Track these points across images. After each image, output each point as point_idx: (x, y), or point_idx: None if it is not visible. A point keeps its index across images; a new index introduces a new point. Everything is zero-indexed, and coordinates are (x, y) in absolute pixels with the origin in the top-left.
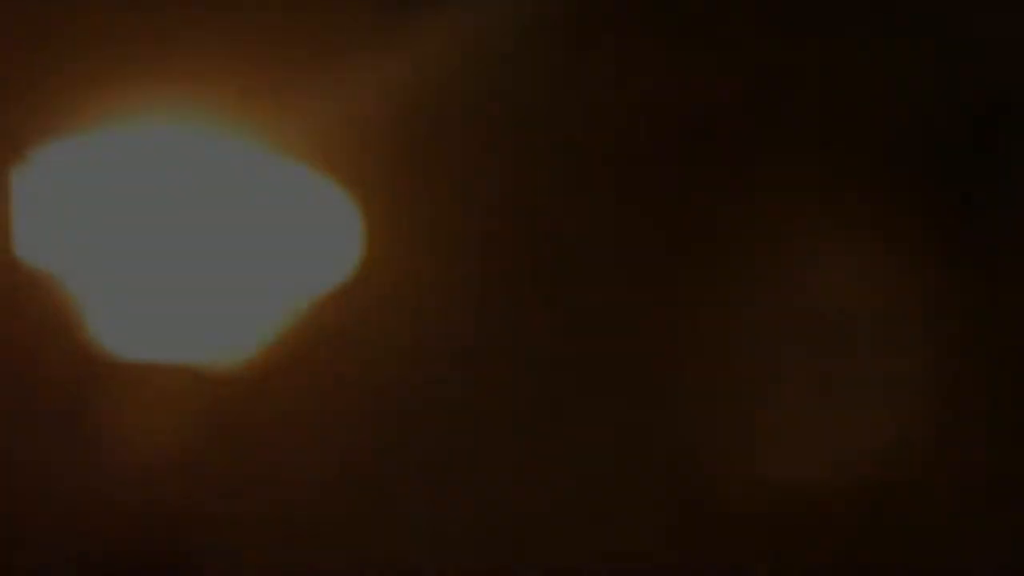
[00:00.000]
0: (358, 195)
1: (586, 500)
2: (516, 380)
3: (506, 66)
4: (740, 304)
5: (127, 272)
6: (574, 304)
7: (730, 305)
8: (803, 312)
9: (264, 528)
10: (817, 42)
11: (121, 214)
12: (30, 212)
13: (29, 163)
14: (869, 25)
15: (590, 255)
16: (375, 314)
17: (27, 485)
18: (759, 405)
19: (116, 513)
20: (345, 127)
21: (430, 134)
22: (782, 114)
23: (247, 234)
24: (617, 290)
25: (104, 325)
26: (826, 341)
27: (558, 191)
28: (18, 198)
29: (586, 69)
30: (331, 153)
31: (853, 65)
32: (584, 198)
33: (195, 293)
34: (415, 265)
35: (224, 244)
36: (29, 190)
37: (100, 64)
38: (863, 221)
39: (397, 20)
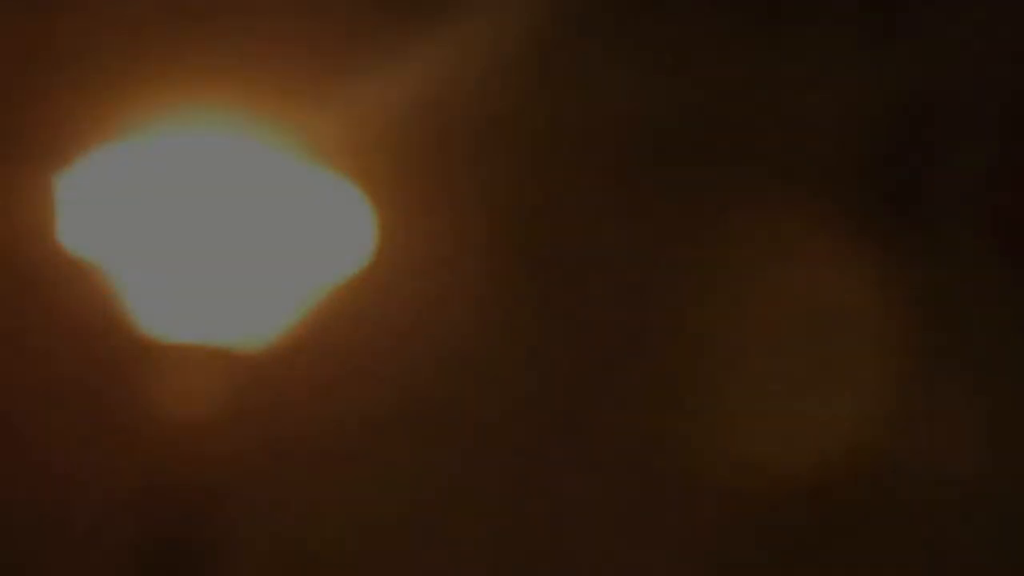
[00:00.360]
0: (371, 193)
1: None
2: (514, 373)
3: (510, 73)
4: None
5: (164, 261)
6: (572, 301)
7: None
8: (750, 307)
9: (285, 494)
10: (763, 54)
11: (158, 210)
12: (74, 208)
13: (73, 165)
14: (808, 34)
15: (589, 253)
16: (386, 302)
17: (71, 457)
18: (736, 397)
19: (153, 484)
20: (360, 131)
21: (440, 136)
22: (730, 123)
23: (271, 227)
24: (607, 286)
25: (143, 309)
26: (775, 334)
27: (560, 193)
28: (63, 195)
29: (574, 78)
30: (346, 155)
31: (795, 73)
32: (583, 200)
33: (224, 280)
34: (424, 258)
35: (250, 237)
36: (73, 188)
37: (137, 75)
38: (804, 222)
39: (410, 27)
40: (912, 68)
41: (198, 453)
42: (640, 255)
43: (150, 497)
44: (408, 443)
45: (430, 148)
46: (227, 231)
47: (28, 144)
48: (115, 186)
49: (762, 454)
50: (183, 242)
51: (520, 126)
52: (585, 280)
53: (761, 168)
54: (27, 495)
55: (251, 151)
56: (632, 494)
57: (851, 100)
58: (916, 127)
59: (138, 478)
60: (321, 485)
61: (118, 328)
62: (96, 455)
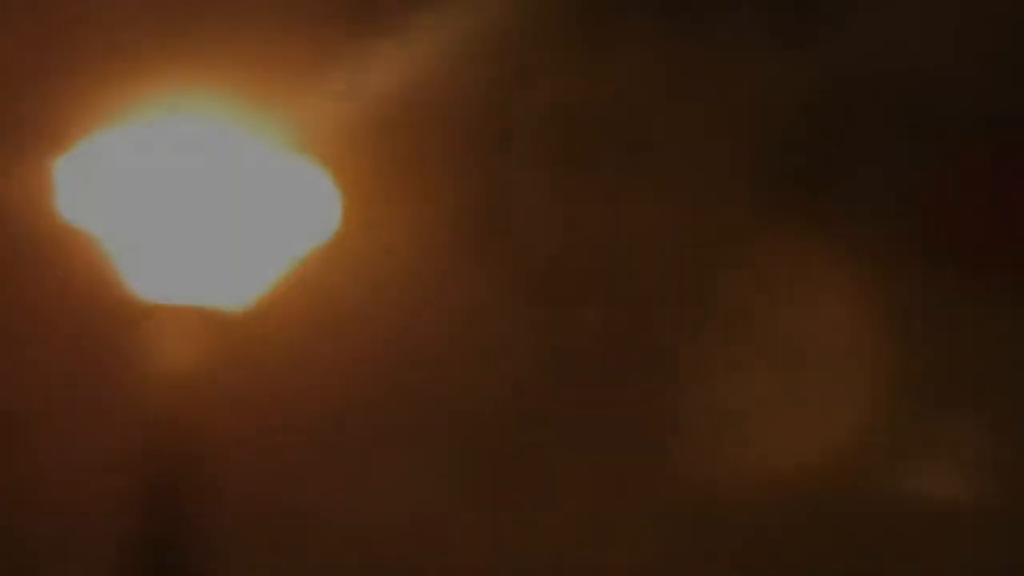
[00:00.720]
0: (336, 176)
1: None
2: (465, 345)
3: (474, 69)
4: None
5: (154, 233)
6: (520, 276)
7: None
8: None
9: (266, 448)
10: (687, 52)
11: (149, 188)
12: (73, 186)
13: (71, 148)
14: (729, 32)
15: (541, 240)
16: (349, 272)
17: (71, 409)
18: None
19: (147, 433)
20: (327, 122)
21: (401, 127)
22: (657, 114)
23: (249, 204)
24: (564, 273)
25: (136, 275)
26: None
27: (512, 180)
28: (63, 175)
29: (522, 74)
30: (315, 142)
31: (716, 70)
32: (536, 188)
33: (208, 250)
34: (382, 236)
35: (230, 212)
36: (72, 168)
37: (128, 69)
38: (722, 208)
39: (379, 27)
40: (824, 65)
41: (185, 400)
42: (587, 239)
43: (145, 444)
44: (368, 392)
45: (391, 138)
46: (210, 207)
47: (30, 129)
48: (110, 166)
49: (730, 467)
50: (171, 216)
51: (477, 118)
52: (541, 266)
53: (684, 157)
54: (28, 446)
55: (231, 137)
56: (608, 478)
57: (767, 95)
58: (828, 120)
59: (134, 428)
60: (295, 427)
61: (114, 292)
62: (95, 407)
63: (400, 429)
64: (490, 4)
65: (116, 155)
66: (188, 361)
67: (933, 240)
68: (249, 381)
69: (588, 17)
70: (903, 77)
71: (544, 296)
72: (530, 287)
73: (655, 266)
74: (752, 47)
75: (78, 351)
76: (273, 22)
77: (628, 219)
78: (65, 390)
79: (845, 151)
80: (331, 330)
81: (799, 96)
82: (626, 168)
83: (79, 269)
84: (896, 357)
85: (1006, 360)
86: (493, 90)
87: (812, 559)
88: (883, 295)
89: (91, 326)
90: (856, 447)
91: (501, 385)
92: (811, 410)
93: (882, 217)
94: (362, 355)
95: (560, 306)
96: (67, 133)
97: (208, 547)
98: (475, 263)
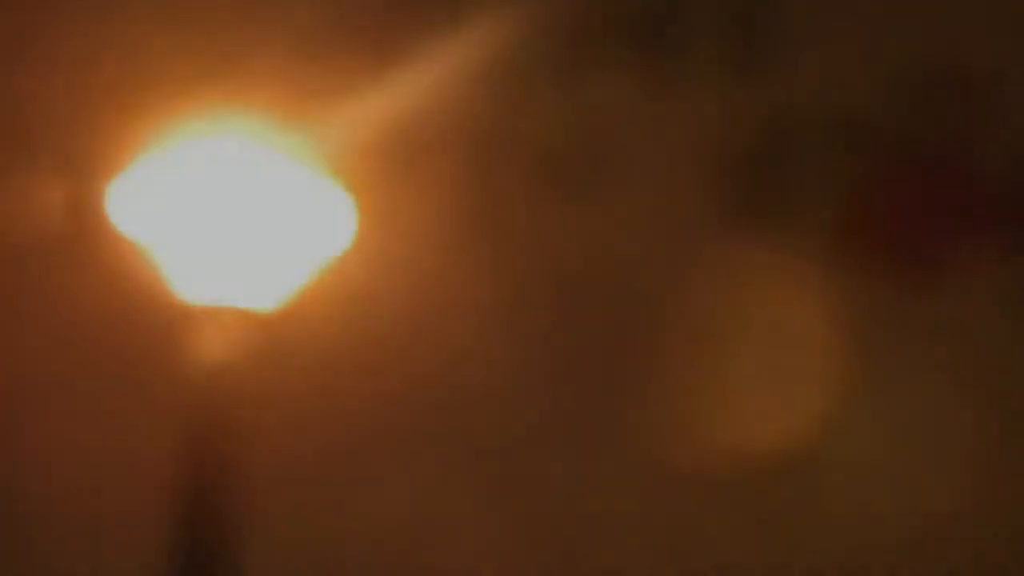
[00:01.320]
0: (353, 190)
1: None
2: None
3: (482, 93)
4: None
5: (197, 242)
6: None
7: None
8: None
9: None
10: (648, 84)
11: (192, 202)
12: (126, 202)
13: (122, 166)
14: (685, 69)
15: (532, 242)
16: (364, 277)
17: (121, 398)
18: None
19: (190, 420)
20: (344, 141)
21: (411, 146)
22: (619, 142)
23: (276, 215)
24: (566, 279)
25: (181, 280)
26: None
27: (504, 195)
28: (115, 190)
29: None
30: (334, 159)
31: (675, 103)
32: (528, 203)
33: (243, 257)
34: (393, 244)
35: (260, 221)
36: (123, 184)
37: (170, 99)
38: (683, 227)
39: (389, 56)
40: (768, 96)
41: (224, 388)
42: (574, 249)
43: (187, 431)
44: (387, 382)
45: (402, 155)
46: (245, 218)
47: (89, 152)
48: (158, 184)
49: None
50: (211, 226)
51: (478, 138)
52: (535, 271)
53: (648, 174)
54: (79, 434)
55: (263, 156)
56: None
57: (719, 123)
58: (771, 146)
59: (180, 412)
60: (324, 404)
61: (162, 295)
62: (147, 394)
63: (414, 420)
64: (491, 37)
65: (163, 173)
66: (226, 354)
67: (860, 248)
68: (278, 371)
69: (568, 49)
70: (838, 107)
71: (539, 300)
72: (526, 291)
73: (629, 271)
74: (712, 79)
75: (131, 347)
76: (295, 59)
77: (602, 230)
78: (119, 381)
79: (789, 172)
80: (350, 327)
81: (751, 123)
82: (598, 184)
83: (132, 275)
84: (833, 347)
85: (921, 345)
86: (488, 115)
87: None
88: (823, 295)
89: (142, 325)
90: (808, 426)
91: (507, 383)
92: (776, 395)
93: (821, 229)
94: (379, 350)
95: (554, 311)
96: (120, 155)
97: (240, 528)
98: (475, 267)
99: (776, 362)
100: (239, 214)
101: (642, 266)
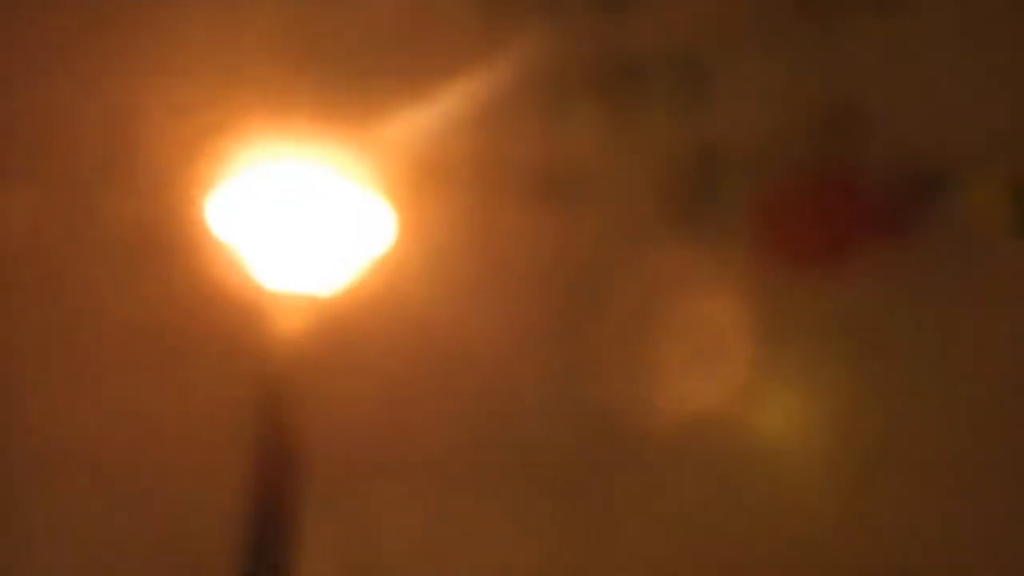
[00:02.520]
0: (392, 201)
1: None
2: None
3: (493, 122)
4: None
5: (272, 241)
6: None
7: None
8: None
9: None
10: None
11: (269, 209)
12: (218, 209)
13: (213, 179)
14: (637, 106)
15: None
16: (402, 276)
17: (209, 369)
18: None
19: (265, 388)
20: (387, 159)
21: (443, 164)
22: (589, 164)
23: (333, 220)
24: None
25: (260, 272)
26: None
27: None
28: (211, 201)
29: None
30: (377, 175)
31: (629, 133)
32: (533, 217)
33: (307, 254)
34: (427, 250)
35: (322, 225)
36: (217, 196)
37: (245, 127)
38: (642, 241)
39: (420, 86)
40: (702, 130)
41: (293, 360)
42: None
43: (263, 398)
44: (422, 355)
45: (436, 172)
46: (307, 221)
47: (188, 170)
48: (243, 194)
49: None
50: (283, 229)
51: (496, 161)
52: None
53: (606, 193)
54: (173, 400)
55: (320, 172)
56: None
57: (666, 151)
58: (703, 170)
59: (261, 380)
60: (372, 374)
61: (245, 284)
62: (233, 367)
63: (442, 381)
64: (493, 79)
65: (247, 186)
66: (295, 331)
67: (771, 252)
68: (335, 346)
69: (550, 91)
70: (756, 138)
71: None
72: (527, 294)
73: (597, 271)
74: (660, 117)
75: (220, 326)
76: (350, 96)
77: (576, 237)
78: (210, 356)
79: (717, 191)
80: (391, 312)
81: (688, 151)
82: (575, 200)
83: (221, 267)
84: (749, 333)
85: (823, 333)
86: (491, 142)
87: None
88: (741, 291)
89: (230, 308)
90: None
91: (523, 380)
92: (703, 373)
93: (741, 237)
94: (416, 331)
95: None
96: (213, 172)
97: (302, 481)
98: (482, 267)
99: (703, 345)
100: (305, 219)
101: (606, 267)
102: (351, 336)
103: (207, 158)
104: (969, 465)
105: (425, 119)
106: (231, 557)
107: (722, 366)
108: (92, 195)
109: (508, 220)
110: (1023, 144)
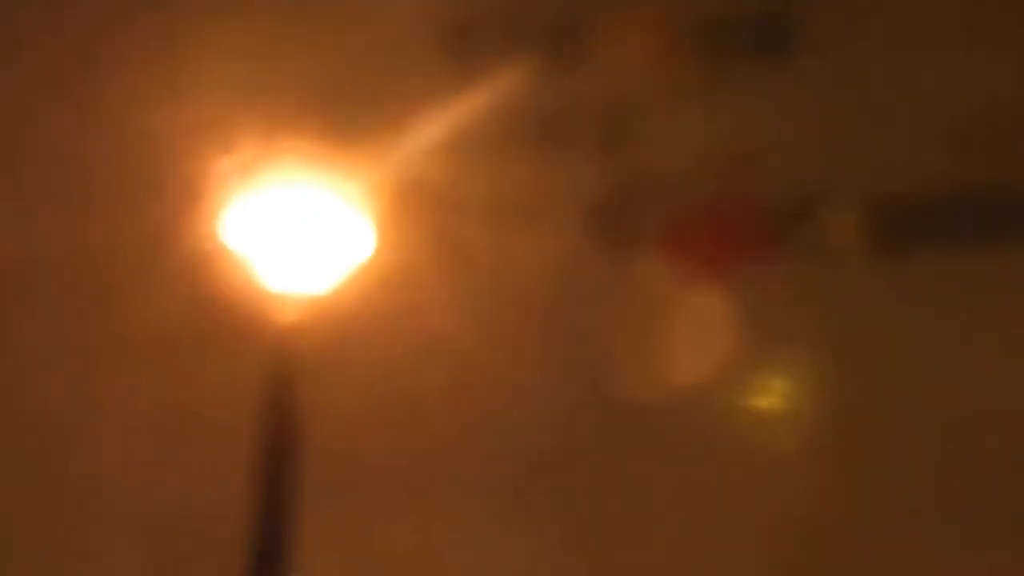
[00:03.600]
0: (372, 215)
1: None
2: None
3: (464, 148)
4: None
5: (273, 250)
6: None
7: None
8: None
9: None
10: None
11: (270, 222)
12: (228, 222)
13: (227, 199)
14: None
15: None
16: (382, 280)
17: (217, 355)
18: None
19: (267, 367)
20: (370, 180)
21: (420, 185)
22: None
23: (321, 232)
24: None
25: (263, 275)
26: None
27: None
28: (223, 216)
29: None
30: (362, 192)
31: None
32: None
33: (303, 260)
34: (405, 260)
35: (309, 237)
36: (228, 212)
37: (254, 153)
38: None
39: (400, 117)
40: (634, 167)
41: (292, 347)
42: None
43: (271, 372)
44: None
45: (410, 194)
46: (303, 233)
47: (203, 190)
48: (248, 209)
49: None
50: (282, 239)
51: (458, 187)
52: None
53: (550, 226)
54: (185, 387)
55: (314, 191)
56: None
57: (598, 184)
58: (635, 201)
59: (265, 360)
60: (359, 361)
61: (252, 284)
62: (243, 352)
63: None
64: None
65: (253, 203)
66: (294, 322)
67: (683, 262)
68: (328, 337)
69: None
70: (671, 178)
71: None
72: (486, 297)
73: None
74: (593, 155)
75: (231, 318)
76: (328, 118)
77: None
78: (221, 340)
79: (640, 218)
80: (372, 310)
81: (617, 184)
82: (542, 227)
83: (231, 271)
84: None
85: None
86: (455, 172)
87: None
88: (664, 290)
89: (239, 305)
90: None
91: (502, 377)
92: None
93: (662, 250)
94: (393, 325)
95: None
96: (223, 192)
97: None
98: (455, 275)
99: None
100: (300, 231)
101: (551, 276)
102: (337, 329)
103: (215, 177)
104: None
105: (402, 150)
106: (235, 548)
107: (654, 357)
108: (99, 210)
109: (468, 235)
110: (872, 186)
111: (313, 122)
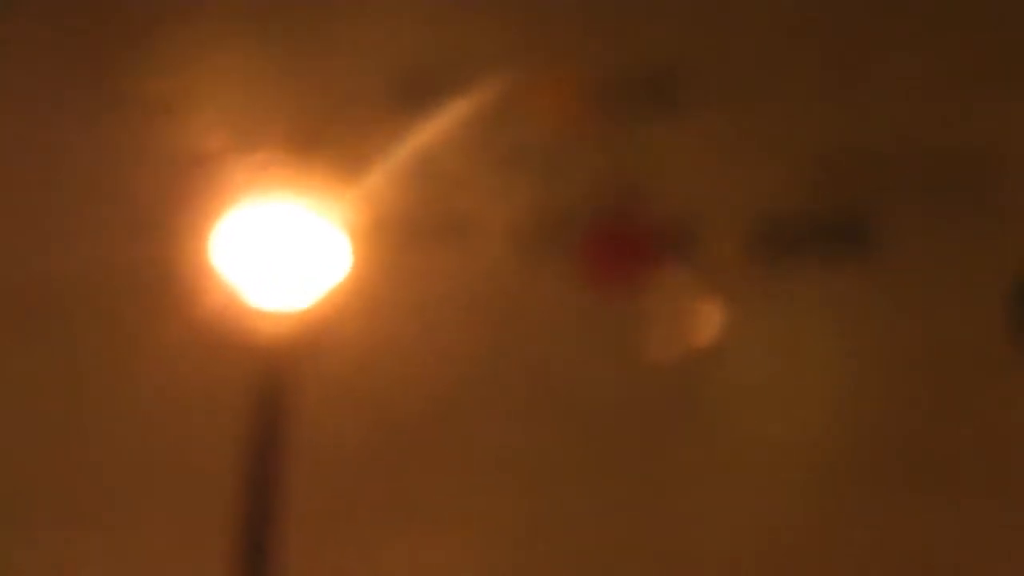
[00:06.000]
0: (351, 235)
1: None
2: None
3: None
4: None
5: (259, 268)
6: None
7: None
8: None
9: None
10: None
11: (253, 242)
12: (216, 242)
13: (214, 221)
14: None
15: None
16: (357, 299)
17: (205, 369)
18: None
19: (254, 370)
20: (348, 200)
21: (397, 209)
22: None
23: (302, 250)
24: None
25: (248, 291)
26: None
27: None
28: (213, 237)
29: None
30: (340, 212)
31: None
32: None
33: (284, 279)
34: (381, 278)
35: (290, 254)
36: (216, 233)
37: (236, 176)
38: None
39: (384, 144)
40: (556, 194)
41: (278, 358)
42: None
43: (258, 381)
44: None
45: (386, 216)
46: (286, 251)
47: (190, 213)
48: (234, 230)
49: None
50: (265, 258)
51: (426, 209)
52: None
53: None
54: (181, 395)
55: (298, 212)
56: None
57: (531, 206)
58: (558, 222)
59: (247, 371)
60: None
61: (238, 302)
62: (232, 368)
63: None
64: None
65: (238, 225)
66: (279, 335)
67: (593, 271)
68: (311, 348)
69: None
70: (583, 201)
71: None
72: (450, 310)
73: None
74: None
75: (219, 336)
76: (315, 149)
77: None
78: (211, 356)
79: (562, 235)
80: (348, 324)
81: (544, 208)
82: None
83: (218, 288)
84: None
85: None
86: (423, 196)
87: None
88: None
89: (227, 322)
90: None
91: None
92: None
93: (578, 262)
94: (372, 339)
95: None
96: (210, 215)
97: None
98: (424, 291)
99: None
100: (284, 249)
101: (502, 289)
102: (319, 342)
103: (204, 197)
104: None
105: (376, 176)
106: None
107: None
108: (91, 230)
109: (434, 252)
110: (750, 212)
111: (298, 148)
